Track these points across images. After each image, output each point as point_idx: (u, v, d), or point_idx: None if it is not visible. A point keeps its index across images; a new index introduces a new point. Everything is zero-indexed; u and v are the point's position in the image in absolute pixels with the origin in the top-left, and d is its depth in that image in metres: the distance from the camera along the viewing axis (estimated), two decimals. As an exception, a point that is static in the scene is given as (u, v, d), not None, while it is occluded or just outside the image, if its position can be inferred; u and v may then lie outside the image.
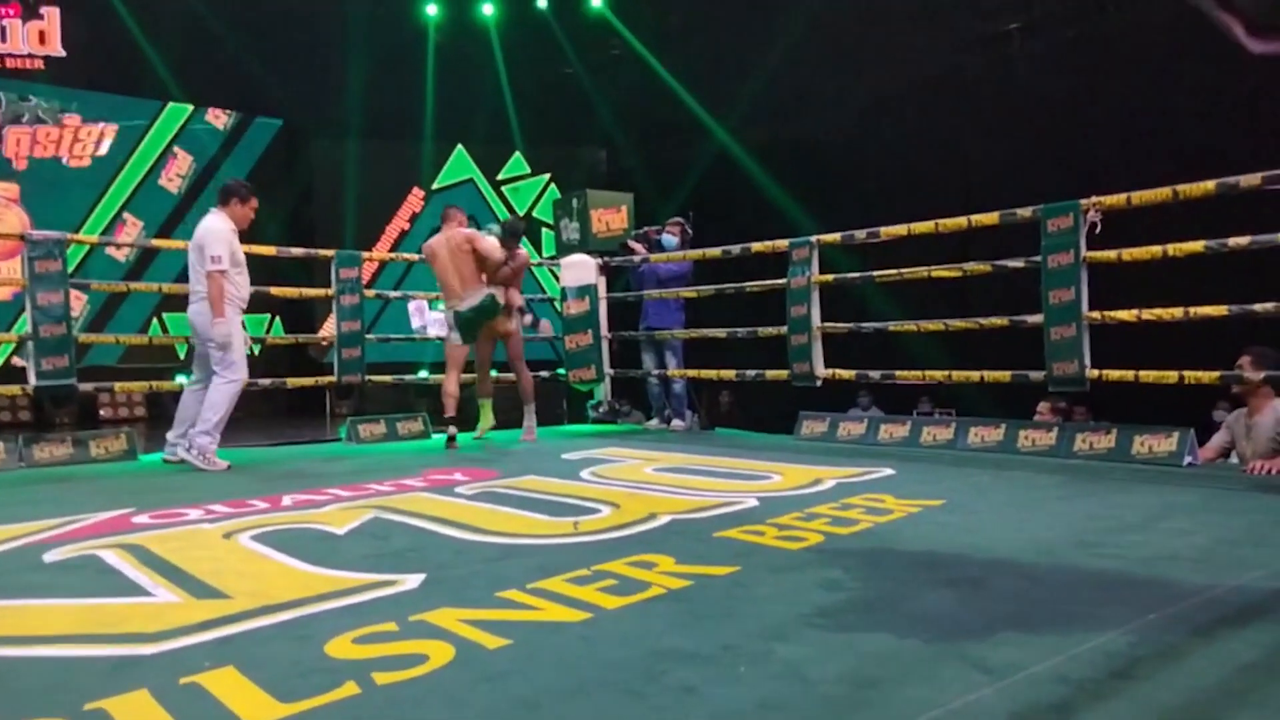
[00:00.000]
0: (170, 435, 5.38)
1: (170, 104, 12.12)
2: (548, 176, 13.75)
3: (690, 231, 7.17)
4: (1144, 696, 1.63)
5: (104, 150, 11.62)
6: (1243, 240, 4.32)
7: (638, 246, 7.32)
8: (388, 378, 7.41)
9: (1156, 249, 4.57)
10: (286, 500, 3.91)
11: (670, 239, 7.19)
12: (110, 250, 11.66)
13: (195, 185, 12.32)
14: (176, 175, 12.30)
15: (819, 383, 5.99)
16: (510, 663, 1.86)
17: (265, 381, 6.84)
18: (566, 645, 1.97)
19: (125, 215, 11.95)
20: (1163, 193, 4.56)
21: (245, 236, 5.38)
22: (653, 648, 1.93)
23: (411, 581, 2.49)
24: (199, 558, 2.84)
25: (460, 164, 13.55)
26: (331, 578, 2.57)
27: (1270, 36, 1.09)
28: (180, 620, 2.20)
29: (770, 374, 6.36)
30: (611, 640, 1.99)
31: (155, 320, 12.01)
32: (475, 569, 2.66)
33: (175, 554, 2.89)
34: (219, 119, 12.56)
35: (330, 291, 6.71)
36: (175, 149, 12.28)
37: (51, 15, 11.18)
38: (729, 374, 6.94)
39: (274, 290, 6.79)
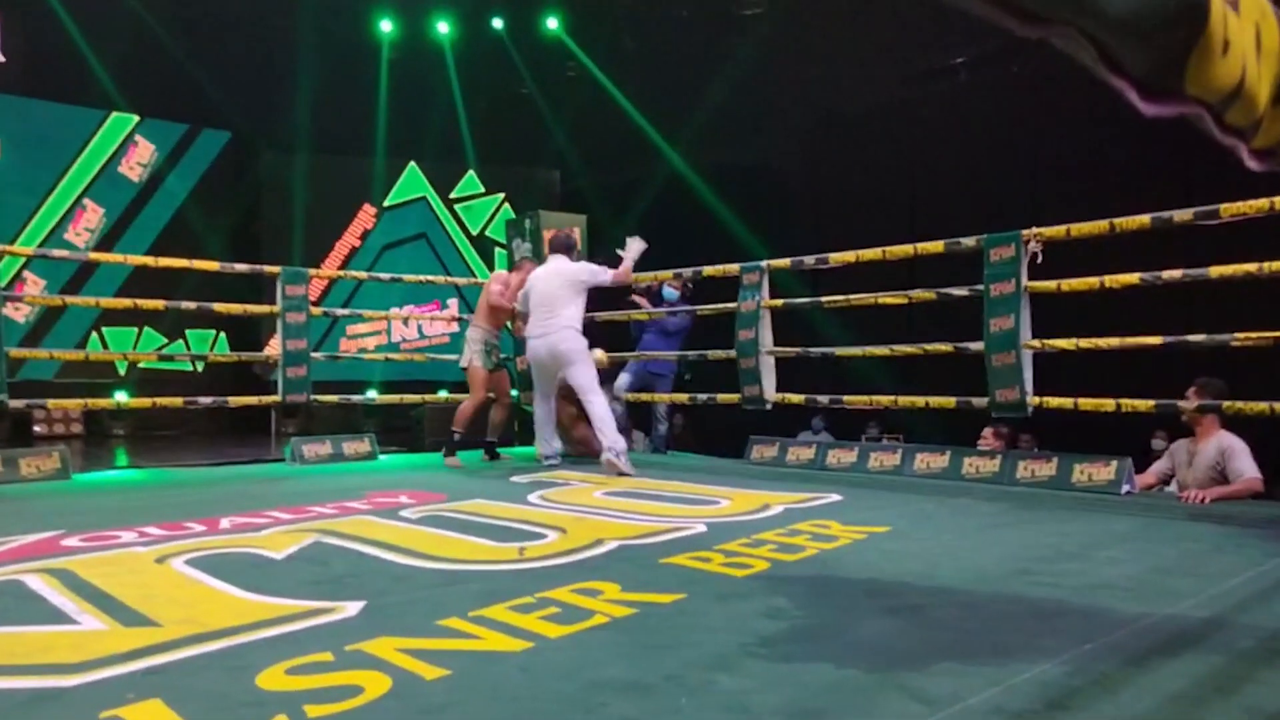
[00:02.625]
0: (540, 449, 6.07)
1: (114, 114, 11.86)
2: (502, 196, 13.70)
3: (691, 288, 7.27)
4: (1078, 727, 1.65)
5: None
6: (1175, 273, 4.46)
7: (642, 300, 7.41)
8: (334, 397, 7.29)
9: (1094, 280, 4.68)
10: (224, 523, 3.82)
11: (671, 292, 7.28)
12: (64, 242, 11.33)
13: (155, 176, 12.11)
14: (138, 164, 12.05)
15: (769, 406, 6.03)
16: (447, 694, 1.83)
17: (207, 400, 6.71)
18: (506, 676, 1.94)
19: (85, 201, 11.67)
20: (1100, 225, 4.68)
21: (189, 251, 5.29)
22: (593, 679, 1.91)
23: (351, 609, 2.44)
24: (129, 583, 2.75)
25: (413, 181, 13.44)
26: (267, 605, 2.51)
27: (1160, 100, 1.12)
28: (105, 650, 2.12)
29: (722, 397, 6.39)
30: (552, 671, 1.96)
31: (95, 334, 11.69)
32: (417, 596, 2.61)
33: (104, 579, 2.79)
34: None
35: (276, 308, 6.59)
36: (136, 137, 12.02)
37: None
38: (681, 397, 6.99)
39: (218, 306, 6.65)
